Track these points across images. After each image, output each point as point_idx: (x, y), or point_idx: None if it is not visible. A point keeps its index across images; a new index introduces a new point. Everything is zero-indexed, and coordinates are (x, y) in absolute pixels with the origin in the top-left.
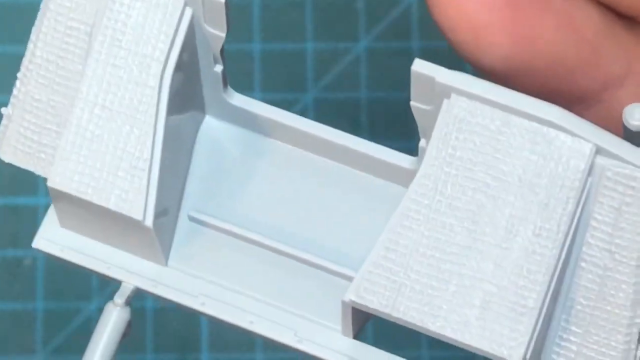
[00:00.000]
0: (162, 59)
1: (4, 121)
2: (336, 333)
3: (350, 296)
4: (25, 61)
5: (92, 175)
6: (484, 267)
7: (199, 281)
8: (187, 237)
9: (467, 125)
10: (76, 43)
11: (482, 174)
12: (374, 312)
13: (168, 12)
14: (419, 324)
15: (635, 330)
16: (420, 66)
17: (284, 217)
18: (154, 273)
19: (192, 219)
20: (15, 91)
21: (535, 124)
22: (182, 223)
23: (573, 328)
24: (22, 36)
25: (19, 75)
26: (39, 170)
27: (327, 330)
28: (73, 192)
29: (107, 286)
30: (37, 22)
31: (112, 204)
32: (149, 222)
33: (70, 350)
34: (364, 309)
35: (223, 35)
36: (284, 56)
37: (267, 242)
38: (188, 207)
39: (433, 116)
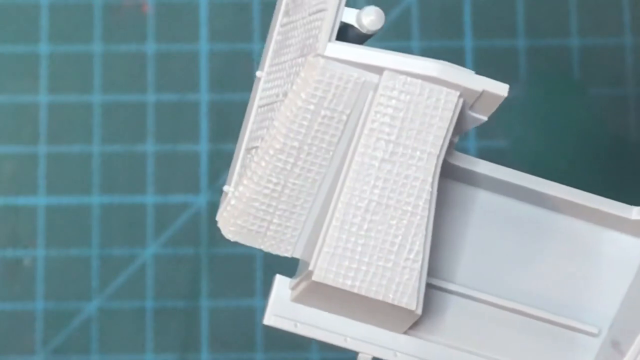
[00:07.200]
0: (435, 152)
1: (228, 200)
2: None
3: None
4: (264, 146)
5: (361, 269)
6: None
7: (438, 347)
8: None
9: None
10: (327, 131)
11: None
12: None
13: (441, 105)
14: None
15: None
16: None
17: (516, 276)
18: (392, 341)
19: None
20: (248, 172)
21: None
22: None
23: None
24: (22, 36)
25: (253, 158)
26: (265, 247)
27: None
28: (339, 285)
29: (107, 286)
30: (284, 113)
31: (382, 296)
32: (419, 310)
33: (70, 350)
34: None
35: (485, 119)
36: None
37: (505, 303)
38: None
39: None
